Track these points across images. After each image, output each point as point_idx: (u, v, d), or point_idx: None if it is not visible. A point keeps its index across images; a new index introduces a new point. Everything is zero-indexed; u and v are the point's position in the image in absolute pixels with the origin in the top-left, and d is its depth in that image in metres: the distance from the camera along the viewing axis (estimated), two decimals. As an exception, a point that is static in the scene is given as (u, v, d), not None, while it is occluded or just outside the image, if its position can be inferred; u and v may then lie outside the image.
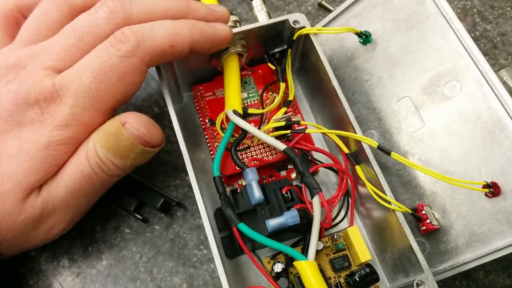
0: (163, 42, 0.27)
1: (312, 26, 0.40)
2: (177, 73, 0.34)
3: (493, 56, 0.41)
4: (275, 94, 0.35)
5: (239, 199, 0.29)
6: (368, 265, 0.30)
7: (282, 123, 0.31)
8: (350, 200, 0.32)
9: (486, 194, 0.27)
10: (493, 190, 0.26)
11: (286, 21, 0.32)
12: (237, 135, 0.32)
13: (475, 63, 0.28)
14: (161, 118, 0.37)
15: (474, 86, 0.28)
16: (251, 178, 0.29)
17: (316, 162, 0.33)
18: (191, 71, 0.34)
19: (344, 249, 0.31)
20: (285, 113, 0.32)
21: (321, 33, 0.36)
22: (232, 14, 0.34)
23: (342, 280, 0.30)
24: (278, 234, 0.29)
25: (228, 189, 0.31)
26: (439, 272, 0.28)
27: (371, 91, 0.33)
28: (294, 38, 0.33)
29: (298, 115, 0.35)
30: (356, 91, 0.34)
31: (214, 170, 0.30)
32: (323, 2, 0.42)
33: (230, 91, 0.32)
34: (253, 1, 0.36)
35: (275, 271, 0.29)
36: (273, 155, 0.33)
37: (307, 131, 0.31)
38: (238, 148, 0.33)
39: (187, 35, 0.27)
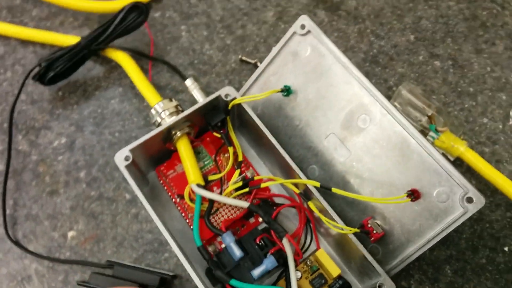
0: None
1: (238, 81, 0.46)
2: (139, 163, 0.38)
3: (392, 68, 0.49)
4: (227, 155, 0.40)
5: (223, 258, 0.35)
6: (340, 277, 0.36)
7: (240, 184, 0.37)
8: (311, 226, 0.39)
9: (411, 200, 0.34)
10: (414, 195, 0.34)
11: (218, 96, 0.38)
12: (205, 202, 0.37)
13: (375, 99, 0.36)
14: (135, 202, 0.41)
15: (379, 116, 0.36)
16: (229, 241, 0.34)
17: (277, 203, 0.39)
18: (150, 157, 0.39)
19: (318, 269, 0.37)
20: (240, 174, 0.38)
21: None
22: (171, 100, 0.40)
23: (323, 295, 0.36)
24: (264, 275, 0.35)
25: (210, 250, 0.37)
26: (395, 267, 0.35)
27: (303, 133, 0.40)
28: (229, 108, 0.39)
29: (250, 168, 0.41)
30: (291, 135, 0.40)
31: (196, 241, 0.35)
32: (243, 58, 0.48)
33: (189, 167, 0.38)
34: (186, 82, 0.42)
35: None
36: (240, 210, 0.39)
37: (262, 185, 0.37)
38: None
39: None
